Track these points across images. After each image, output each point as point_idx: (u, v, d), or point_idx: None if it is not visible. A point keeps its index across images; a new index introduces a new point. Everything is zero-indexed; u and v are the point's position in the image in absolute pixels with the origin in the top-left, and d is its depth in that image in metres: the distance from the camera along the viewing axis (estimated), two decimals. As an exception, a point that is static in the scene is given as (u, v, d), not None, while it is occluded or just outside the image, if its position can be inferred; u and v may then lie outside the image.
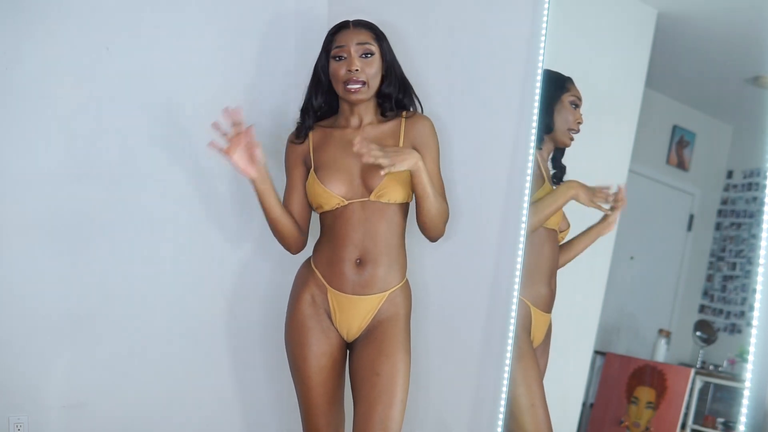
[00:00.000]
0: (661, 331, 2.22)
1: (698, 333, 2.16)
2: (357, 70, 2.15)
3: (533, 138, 2.20)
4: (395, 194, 2.16)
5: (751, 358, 1.78)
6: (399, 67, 2.25)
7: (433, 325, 2.45)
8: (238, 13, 2.65)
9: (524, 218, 2.19)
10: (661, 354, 2.19)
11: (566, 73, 2.19)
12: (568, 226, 2.20)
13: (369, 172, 2.16)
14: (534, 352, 2.20)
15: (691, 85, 2.28)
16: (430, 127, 2.22)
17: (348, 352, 2.25)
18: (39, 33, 2.34)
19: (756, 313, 1.78)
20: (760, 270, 1.77)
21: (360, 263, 2.16)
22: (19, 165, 2.34)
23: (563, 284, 2.19)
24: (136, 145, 2.48)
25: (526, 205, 2.19)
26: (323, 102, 2.28)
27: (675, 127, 2.27)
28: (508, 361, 2.19)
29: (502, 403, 2.20)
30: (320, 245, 2.24)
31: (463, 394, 2.37)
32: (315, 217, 2.36)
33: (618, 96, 2.25)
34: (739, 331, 2.08)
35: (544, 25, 2.19)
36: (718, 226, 2.16)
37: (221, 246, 2.64)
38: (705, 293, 2.16)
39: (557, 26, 2.18)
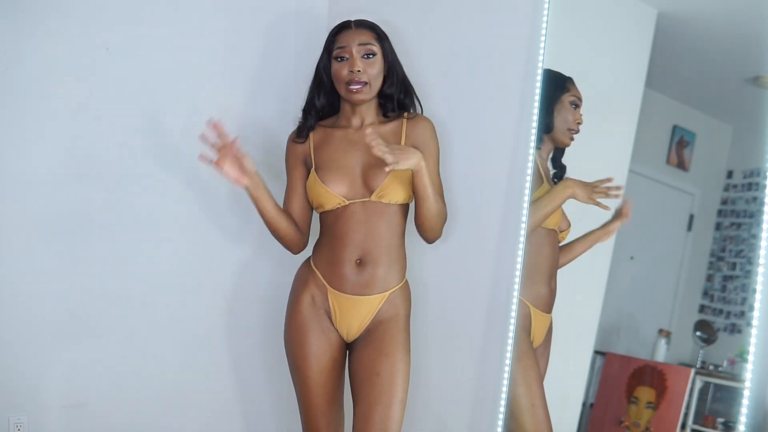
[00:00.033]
0: (661, 331, 2.22)
1: (698, 333, 2.16)
2: (359, 71, 2.14)
3: (533, 138, 2.20)
4: (396, 195, 2.16)
5: (751, 358, 1.78)
6: (401, 67, 2.25)
7: (433, 325, 2.45)
8: (238, 12, 2.65)
9: (524, 218, 2.19)
10: (661, 354, 2.19)
11: (566, 73, 2.19)
12: (569, 225, 2.20)
13: (370, 172, 2.16)
14: (534, 352, 2.19)
15: (691, 85, 2.28)
16: (432, 128, 2.23)
17: (347, 352, 2.25)
18: (39, 33, 2.34)
19: (756, 313, 1.78)
20: (760, 270, 1.76)
21: (360, 263, 2.16)
22: (19, 165, 2.34)
23: (563, 284, 2.19)
24: (136, 145, 2.48)
25: (526, 205, 2.19)
26: (325, 102, 2.28)
27: (675, 127, 2.27)
28: (508, 361, 2.19)
29: (502, 403, 2.20)
30: (320, 245, 2.24)
31: (463, 394, 2.37)
32: (314, 217, 2.36)
33: (618, 96, 2.25)
34: (739, 331, 2.08)
35: (544, 25, 2.19)
36: (718, 226, 2.16)
37: (221, 246, 2.64)
38: (705, 293, 2.16)
39: (557, 26, 2.18)
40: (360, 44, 2.17)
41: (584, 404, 2.28)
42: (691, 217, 2.26)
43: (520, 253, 2.20)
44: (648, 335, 2.25)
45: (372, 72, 2.17)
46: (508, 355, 2.19)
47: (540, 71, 2.20)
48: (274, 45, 2.71)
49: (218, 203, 2.63)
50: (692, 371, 2.10)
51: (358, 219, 2.15)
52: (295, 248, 2.33)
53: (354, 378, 2.18)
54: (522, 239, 2.19)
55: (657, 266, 2.31)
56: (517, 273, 2.20)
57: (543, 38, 2.19)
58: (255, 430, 2.75)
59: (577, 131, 2.18)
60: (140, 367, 2.52)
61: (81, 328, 2.44)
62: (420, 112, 2.28)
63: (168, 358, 2.57)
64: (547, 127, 2.21)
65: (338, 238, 2.17)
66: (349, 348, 2.24)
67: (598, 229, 2.17)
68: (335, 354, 2.20)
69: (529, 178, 2.20)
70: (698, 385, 2.09)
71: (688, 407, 2.08)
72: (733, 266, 2.11)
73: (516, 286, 2.20)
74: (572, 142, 2.20)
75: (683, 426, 2.08)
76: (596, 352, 2.29)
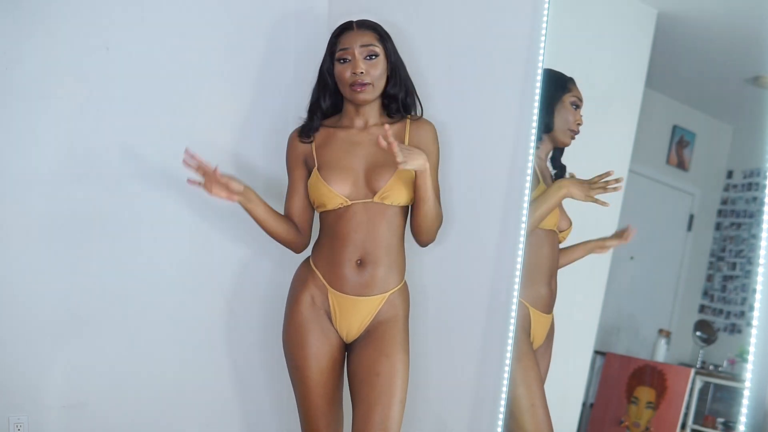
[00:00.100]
0: (661, 331, 2.22)
1: (698, 333, 2.16)
2: (362, 72, 2.15)
3: (533, 138, 2.20)
4: (399, 196, 2.16)
5: (751, 358, 1.78)
6: (404, 67, 2.25)
7: (434, 326, 2.45)
8: (238, 12, 2.65)
9: (524, 218, 2.19)
10: (661, 354, 2.19)
11: (566, 73, 2.19)
12: (570, 224, 2.20)
13: (373, 173, 2.16)
14: (533, 352, 2.19)
15: (691, 85, 2.28)
16: (434, 133, 2.23)
17: (346, 352, 2.25)
18: (39, 33, 2.34)
19: (756, 313, 1.78)
20: (760, 270, 1.76)
21: (361, 264, 2.16)
22: (19, 165, 2.34)
23: (563, 284, 2.19)
24: (136, 145, 2.48)
25: (526, 205, 2.19)
26: (330, 103, 2.28)
27: (675, 127, 2.27)
28: (507, 362, 2.19)
29: (502, 403, 2.20)
30: (320, 245, 2.24)
31: (463, 395, 2.37)
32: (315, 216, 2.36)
33: (618, 96, 2.25)
34: (739, 331, 2.08)
35: (544, 24, 2.19)
36: (718, 226, 2.16)
37: (221, 245, 2.64)
38: (705, 293, 2.16)
39: (557, 26, 2.18)
40: (362, 45, 2.17)
41: (584, 404, 2.28)
42: (691, 217, 2.26)
43: (520, 253, 2.19)
44: (648, 335, 2.25)
45: (375, 73, 2.17)
46: (508, 355, 2.19)
47: (540, 71, 2.20)
48: (274, 45, 2.71)
49: (218, 203, 2.61)
50: (692, 371, 2.10)
51: (360, 219, 2.15)
52: (296, 249, 2.34)
53: (353, 378, 2.18)
54: (522, 239, 2.19)
55: (657, 266, 2.31)
56: (517, 273, 2.20)
57: (543, 38, 2.19)
58: (255, 430, 2.75)
59: (577, 132, 2.18)
60: (140, 367, 2.52)
61: (81, 328, 2.44)
62: (421, 112, 2.28)
63: (168, 358, 2.57)
64: (547, 126, 2.20)
65: (339, 239, 2.17)
66: (348, 348, 2.24)
67: (594, 240, 2.18)
68: (335, 354, 2.20)
69: (529, 178, 2.19)
70: (698, 385, 2.09)
71: (688, 407, 2.08)
72: (733, 266, 2.11)
73: (516, 287, 2.20)
74: (572, 141, 2.20)
75: (683, 426, 2.08)
76: (596, 352, 2.29)
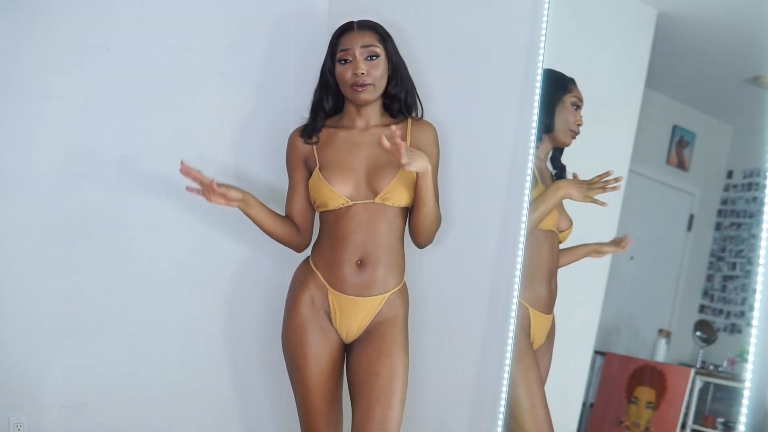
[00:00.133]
0: (661, 331, 2.22)
1: (698, 333, 2.16)
2: (363, 73, 2.14)
3: (533, 138, 2.20)
4: (400, 198, 2.16)
5: (751, 358, 1.78)
6: (405, 67, 2.25)
7: (434, 326, 2.45)
8: (238, 12, 2.65)
9: (524, 219, 2.18)
10: (661, 354, 2.19)
11: (566, 73, 2.19)
12: (571, 224, 2.19)
13: (375, 174, 2.16)
14: (533, 352, 2.19)
15: (691, 85, 2.28)
16: (435, 135, 2.24)
17: (346, 353, 2.24)
18: (39, 33, 2.34)
19: (756, 313, 1.78)
20: (760, 270, 1.76)
21: (361, 264, 2.16)
22: (20, 165, 2.34)
23: (563, 284, 2.19)
24: (136, 145, 2.49)
25: (525, 205, 2.19)
26: (333, 104, 2.28)
27: (675, 127, 2.27)
28: (507, 362, 2.19)
29: (502, 403, 2.20)
30: (320, 245, 2.24)
31: (463, 395, 2.37)
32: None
33: (618, 96, 2.25)
34: (739, 331, 2.08)
35: (544, 24, 2.19)
36: (718, 226, 2.16)
37: (221, 245, 2.64)
38: (705, 293, 2.16)
39: (557, 26, 2.18)
40: (363, 46, 2.17)
41: (584, 404, 2.28)
42: (691, 217, 2.26)
43: (520, 253, 2.19)
44: (648, 335, 2.25)
45: (376, 74, 2.17)
46: (508, 355, 2.19)
47: (540, 71, 2.20)
48: (274, 45, 2.71)
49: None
50: (692, 371, 2.10)
51: (360, 220, 2.15)
52: (297, 248, 2.35)
53: (353, 378, 2.18)
54: (522, 240, 2.19)
55: (657, 266, 2.30)
56: (517, 273, 2.20)
57: (543, 38, 2.19)
58: (255, 430, 2.75)
59: (578, 132, 2.18)
60: (140, 367, 2.52)
61: (81, 328, 2.44)
62: (421, 112, 2.28)
63: (168, 358, 2.57)
64: (547, 127, 2.20)
65: (339, 239, 2.17)
66: (347, 348, 2.24)
67: (592, 244, 2.18)
68: (335, 354, 2.20)
69: (529, 178, 2.19)
70: (698, 385, 2.08)
71: (688, 407, 2.08)
72: (733, 266, 2.11)
73: (516, 287, 2.20)
74: (572, 142, 2.20)
75: (683, 426, 2.08)
76: (596, 352, 2.29)
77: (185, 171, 2.13)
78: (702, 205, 2.25)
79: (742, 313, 2.06)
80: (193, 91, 2.57)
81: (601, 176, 2.08)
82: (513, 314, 2.19)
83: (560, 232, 2.19)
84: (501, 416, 2.20)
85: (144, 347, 2.53)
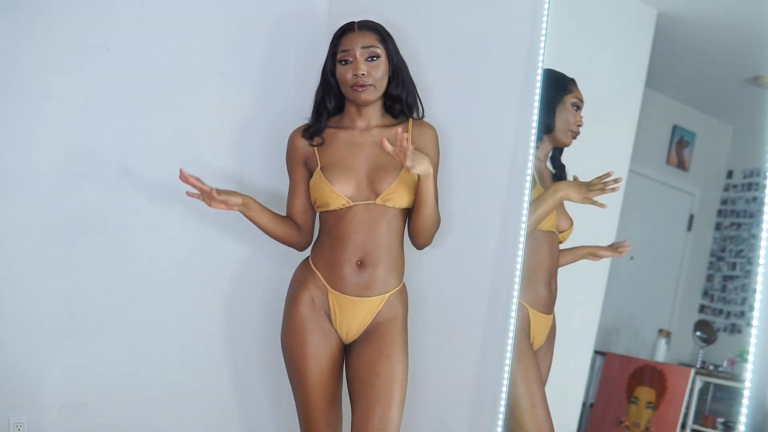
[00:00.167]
0: (661, 331, 2.22)
1: (698, 333, 2.16)
2: (363, 74, 2.14)
3: (533, 138, 2.20)
4: (402, 199, 2.16)
5: (751, 358, 1.78)
6: (406, 68, 2.25)
7: (434, 326, 2.45)
8: (238, 12, 2.65)
9: (524, 219, 2.18)
10: (661, 354, 2.19)
11: (566, 73, 2.19)
12: (571, 224, 2.19)
13: (376, 175, 2.16)
14: (533, 353, 2.19)
15: (691, 85, 2.28)
16: (436, 137, 2.24)
17: (345, 353, 2.24)
18: (39, 32, 2.34)
19: (756, 313, 1.78)
20: (760, 270, 1.76)
21: (361, 264, 2.16)
22: (20, 165, 2.34)
23: (563, 284, 2.19)
24: (136, 145, 2.49)
25: (525, 206, 2.19)
26: (336, 104, 2.28)
27: (675, 127, 2.27)
28: (507, 362, 2.19)
29: (502, 403, 2.20)
30: (320, 245, 2.24)
31: (463, 395, 2.37)
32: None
33: (618, 96, 2.25)
34: (739, 331, 2.08)
35: (544, 24, 2.19)
36: (718, 226, 2.16)
37: (221, 245, 2.64)
38: (705, 293, 2.16)
39: (557, 26, 2.18)
40: (363, 47, 2.16)
41: (584, 404, 2.28)
42: (691, 217, 2.26)
43: (520, 254, 2.19)
44: (648, 335, 2.25)
45: (376, 74, 2.17)
46: (508, 356, 2.19)
47: (540, 71, 2.20)
48: (274, 45, 2.71)
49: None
50: (692, 371, 2.10)
51: (361, 220, 2.15)
52: (299, 248, 2.35)
53: (352, 378, 2.18)
54: (522, 240, 2.19)
55: (657, 266, 2.30)
56: (517, 274, 2.20)
57: (543, 38, 2.19)
58: (255, 430, 2.75)
59: (578, 133, 2.18)
60: (140, 367, 2.52)
61: (81, 328, 2.44)
62: (422, 112, 2.28)
63: (168, 357, 2.57)
64: (547, 127, 2.20)
65: (339, 239, 2.17)
66: (347, 349, 2.24)
67: (589, 247, 2.18)
68: (335, 355, 2.20)
69: (529, 178, 2.19)
70: (698, 385, 2.08)
71: (688, 407, 2.08)
72: (733, 266, 2.11)
73: (516, 287, 2.20)
74: (572, 141, 2.20)
75: (683, 426, 2.08)
76: (596, 352, 2.29)
77: (184, 178, 2.12)
78: (702, 205, 2.25)
79: (742, 313, 2.06)
80: (193, 91, 2.57)
81: (601, 177, 2.08)
82: (513, 315, 2.19)
83: (560, 232, 2.19)
84: (501, 416, 2.20)
85: (144, 347, 2.53)
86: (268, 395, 2.75)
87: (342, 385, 2.25)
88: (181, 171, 2.11)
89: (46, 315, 2.39)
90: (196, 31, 2.58)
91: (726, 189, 2.14)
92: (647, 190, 2.27)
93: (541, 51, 2.20)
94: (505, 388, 2.19)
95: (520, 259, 2.19)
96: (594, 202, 2.09)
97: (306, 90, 2.35)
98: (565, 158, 2.23)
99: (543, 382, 2.19)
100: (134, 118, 2.48)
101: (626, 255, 2.20)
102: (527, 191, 2.19)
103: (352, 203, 2.16)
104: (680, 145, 2.27)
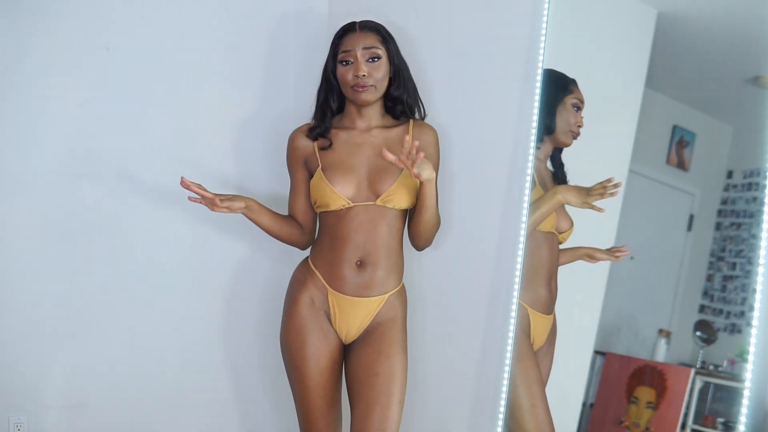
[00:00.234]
0: (661, 331, 2.22)
1: (698, 333, 2.16)
2: (364, 75, 2.14)
3: (533, 138, 2.20)
4: (402, 200, 2.16)
5: (751, 358, 1.78)
6: (407, 69, 2.25)
7: (434, 327, 2.45)
8: (238, 12, 2.65)
9: (524, 220, 2.18)
10: (661, 354, 2.19)
11: (566, 73, 2.19)
12: (571, 225, 2.19)
13: (377, 176, 2.16)
14: (533, 353, 2.19)
15: (691, 85, 2.28)
16: (437, 139, 2.24)
17: (345, 353, 2.24)
18: (39, 32, 2.34)
19: (756, 313, 1.78)
20: (760, 270, 1.76)
21: (360, 265, 2.16)
22: (20, 164, 2.35)
23: (563, 284, 2.19)
24: (136, 145, 2.48)
25: (525, 206, 2.19)
26: (338, 104, 2.27)
27: (675, 127, 2.27)
28: (507, 362, 2.19)
29: (502, 404, 2.20)
30: (320, 246, 2.24)
31: (463, 395, 2.37)
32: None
33: (618, 96, 2.25)
34: (739, 331, 2.08)
35: (544, 25, 2.19)
36: (718, 226, 2.16)
37: (220, 244, 2.64)
38: (705, 293, 2.16)
39: (557, 26, 2.18)
40: (364, 48, 2.16)
41: (584, 404, 2.28)
42: (691, 217, 2.26)
43: (520, 254, 2.19)
44: (648, 335, 2.25)
45: (377, 75, 2.17)
46: (508, 356, 2.19)
47: (540, 71, 2.20)
48: (275, 45, 2.71)
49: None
50: (692, 371, 2.10)
51: (361, 221, 2.15)
52: (301, 247, 2.36)
53: (352, 378, 2.18)
54: (522, 240, 2.19)
55: (657, 266, 2.30)
56: (517, 274, 2.20)
57: (543, 38, 2.19)
58: (255, 430, 2.75)
59: (578, 133, 2.18)
60: (140, 367, 2.52)
61: (81, 328, 2.44)
62: (423, 113, 2.28)
63: (168, 358, 2.57)
64: (548, 128, 2.20)
65: (339, 239, 2.17)
66: (346, 349, 2.24)
67: (586, 248, 2.18)
68: (334, 355, 2.20)
69: (528, 179, 2.19)
70: (698, 385, 2.08)
71: (688, 407, 2.08)
72: (733, 266, 2.11)
73: (516, 288, 2.20)
74: (573, 142, 2.20)
75: (683, 426, 2.08)
76: (596, 352, 2.29)
77: (186, 186, 2.10)
78: (702, 205, 2.25)
79: (742, 313, 2.06)
80: (193, 91, 2.57)
81: (602, 183, 2.08)
82: (513, 315, 2.19)
83: (560, 233, 2.19)
84: (501, 416, 2.20)
85: (144, 347, 2.53)
86: (268, 395, 2.75)
87: (341, 385, 2.25)
88: (182, 179, 2.10)
89: (46, 315, 2.39)
90: (196, 31, 2.58)
91: (726, 189, 2.14)
92: (647, 190, 2.27)
93: (541, 51, 2.20)
94: (505, 389, 2.19)
95: (520, 260, 2.19)
96: (593, 207, 2.09)
97: (306, 90, 2.35)
98: (565, 158, 2.24)
99: (543, 383, 2.19)
100: (134, 118, 2.48)
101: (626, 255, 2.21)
102: (527, 192, 2.19)
103: (352, 204, 2.16)
104: (680, 145, 2.27)
